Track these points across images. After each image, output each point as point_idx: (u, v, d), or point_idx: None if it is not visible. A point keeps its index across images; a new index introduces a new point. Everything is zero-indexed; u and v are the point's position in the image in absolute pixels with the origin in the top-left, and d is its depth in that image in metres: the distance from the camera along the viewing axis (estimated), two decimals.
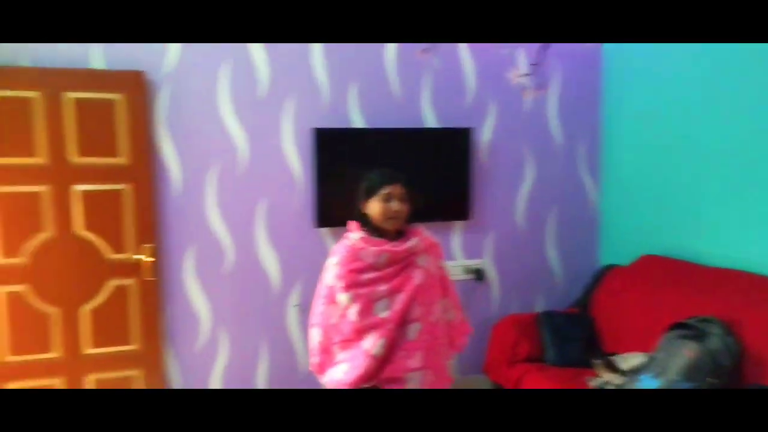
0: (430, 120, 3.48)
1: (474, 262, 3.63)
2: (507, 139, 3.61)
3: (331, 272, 2.04)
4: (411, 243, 2.01)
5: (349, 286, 1.97)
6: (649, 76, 3.42)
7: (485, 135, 3.57)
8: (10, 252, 2.83)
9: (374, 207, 2.00)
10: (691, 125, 3.16)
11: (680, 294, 2.91)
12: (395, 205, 1.99)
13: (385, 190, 1.99)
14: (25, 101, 2.77)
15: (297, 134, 3.26)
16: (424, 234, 2.09)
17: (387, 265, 1.97)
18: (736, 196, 2.94)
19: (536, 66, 3.59)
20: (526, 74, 3.59)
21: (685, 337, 2.54)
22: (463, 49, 3.49)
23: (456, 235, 3.60)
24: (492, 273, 3.67)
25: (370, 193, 2.02)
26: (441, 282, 2.11)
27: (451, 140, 3.46)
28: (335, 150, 3.27)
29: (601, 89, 3.74)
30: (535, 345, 3.24)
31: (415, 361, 1.96)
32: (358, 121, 3.36)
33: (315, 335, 2.08)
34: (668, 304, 2.91)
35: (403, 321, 1.96)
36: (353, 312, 1.97)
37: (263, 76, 3.19)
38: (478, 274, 3.61)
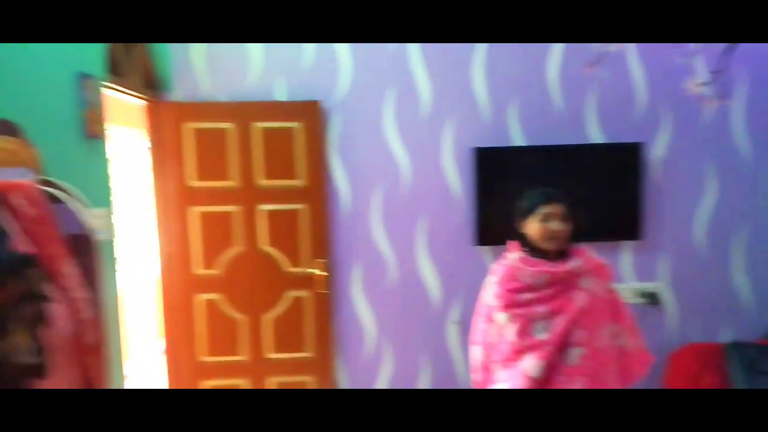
0: (596, 136, 3.33)
1: (646, 285, 3.39)
2: (684, 154, 3.34)
3: (490, 291, 2.06)
4: (572, 264, 1.94)
5: (507, 306, 1.97)
6: None
7: (658, 150, 3.34)
8: (209, 264, 3.22)
9: (533, 227, 1.97)
10: None
11: None
12: (555, 225, 1.93)
13: (544, 210, 1.95)
14: (221, 132, 3.15)
15: (457, 154, 3.31)
16: (588, 255, 2.01)
17: (546, 286, 1.93)
18: None
19: (718, 73, 3.29)
20: (706, 83, 3.30)
21: None
22: (633, 59, 3.31)
23: (625, 256, 3.39)
24: (668, 297, 3.40)
25: (528, 213, 1.99)
26: (611, 306, 2.01)
27: (620, 156, 3.29)
28: (495, 169, 3.27)
29: None
30: (721, 378, 2.94)
31: (576, 387, 1.90)
32: (518, 140, 3.32)
33: (476, 353, 2.11)
34: None
35: (563, 344, 1.91)
36: (511, 332, 1.96)
37: (425, 98, 3.29)
38: (652, 298, 3.36)
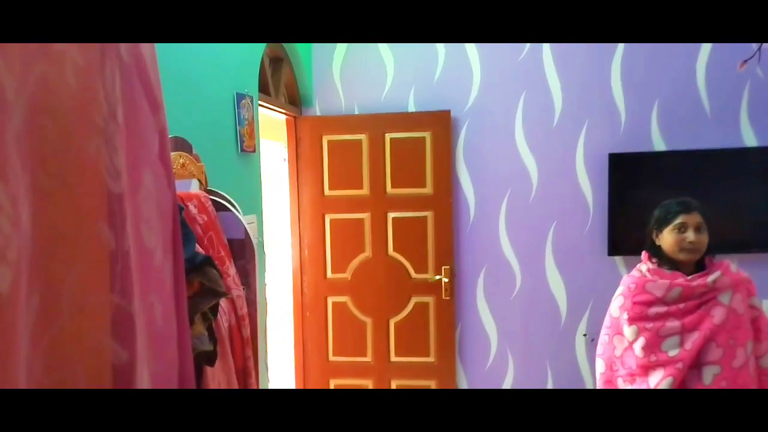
0: (749, 139, 3.07)
1: None
2: None
3: (617, 303, 1.98)
4: (711, 278, 1.82)
5: (634, 319, 1.89)
6: None
7: None
8: (338, 268, 3.41)
9: (667, 238, 1.88)
10: None
11: None
12: (690, 236, 1.83)
13: (679, 220, 1.85)
14: (355, 143, 3.33)
15: (591, 159, 3.22)
16: (730, 268, 1.88)
17: (680, 300, 1.84)
18: None
19: None
20: None
21: None
22: None
23: None
24: None
25: (663, 223, 1.89)
26: (755, 323, 1.87)
27: None
28: (632, 175, 3.13)
29: None
30: None
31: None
32: (659, 144, 3.15)
33: (599, 366, 2.05)
34: None
35: (696, 362, 1.81)
36: (638, 346, 1.88)
37: (557, 103, 3.24)
38: None
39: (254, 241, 2.30)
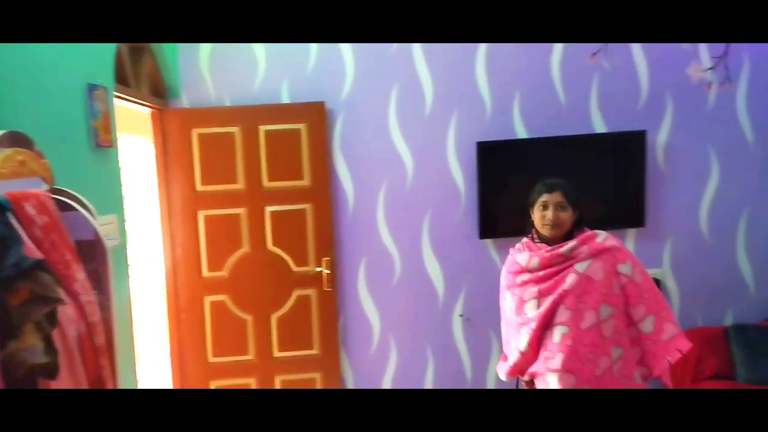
0: (599, 125, 3.35)
1: (651, 272, 3.39)
2: (687, 140, 3.35)
3: (502, 273, 2.25)
4: (564, 248, 2.03)
5: (508, 286, 2.18)
6: None
7: (661, 137, 3.35)
8: (215, 266, 3.29)
9: (535, 215, 2.12)
10: None
11: None
12: (549, 214, 2.05)
13: (542, 199, 2.08)
14: (228, 136, 3.22)
15: (461, 148, 3.35)
16: (596, 239, 2.04)
17: (539, 268, 2.06)
18: None
19: (721, 58, 3.29)
20: (709, 68, 3.30)
21: None
22: (635, 47, 3.32)
23: (629, 243, 3.41)
24: (671, 283, 3.42)
25: (532, 203, 2.13)
26: (624, 289, 2.00)
27: (623, 145, 3.31)
28: (499, 162, 3.31)
29: None
30: (724, 361, 2.96)
31: (555, 363, 1.99)
32: (522, 132, 3.35)
33: (502, 329, 2.31)
34: None
35: (547, 323, 2.03)
36: (511, 309, 2.15)
37: (428, 94, 3.34)
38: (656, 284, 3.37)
39: (111, 242, 2.15)
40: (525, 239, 2.19)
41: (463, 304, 3.43)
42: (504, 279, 2.22)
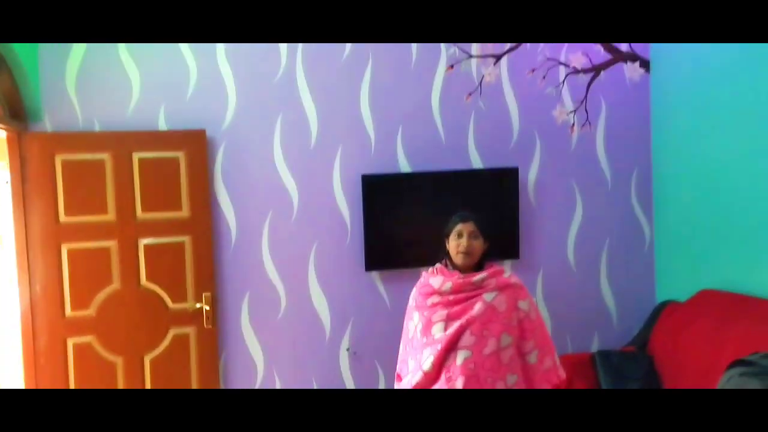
0: (476, 161, 3.52)
1: None
2: (555, 177, 3.61)
3: (411, 294, 2.36)
4: (476, 278, 2.19)
5: (417, 307, 2.27)
6: (697, 100, 3.34)
7: (532, 173, 3.59)
8: (80, 304, 3.01)
9: (450, 244, 2.27)
10: (746, 150, 3.05)
11: (741, 330, 2.79)
12: (464, 242, 2.21)
13: (458, 228, 2.24)
14: (97, 163, 2.99)
15: (346, 180, 3.37)
16: (502, 275, 2.24)
17: (450, 293, 2.18)
18: None
19: (582, 103, 3.60)
20: (572, 111, 3.60)
21: (747, 374, 2.44)
22: (507, 89, 3.54)
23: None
24: (544, 312, 3.63)
25: (447, 232, 2.29)
26: (521, 324, 2.20)
27: (498, 180, 3.49)
28: (384, 195, 3.36)
29: (649, 121, 3.70)
30: (591, 385, 3.17)
31: (457, 384, 2.08)
32: (405, 166, 3.44)
33: (400, 348, 2.36)
34: (729, 341, 2.80)
35: (452, 346, 2.13)
36: (418, 329, 2.23)
37: (313, 125, 3.33)
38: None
39: None
40: (439, 265, 2.31)
41: (349, 337, 3.41)
42: (413, 299, 2.32)
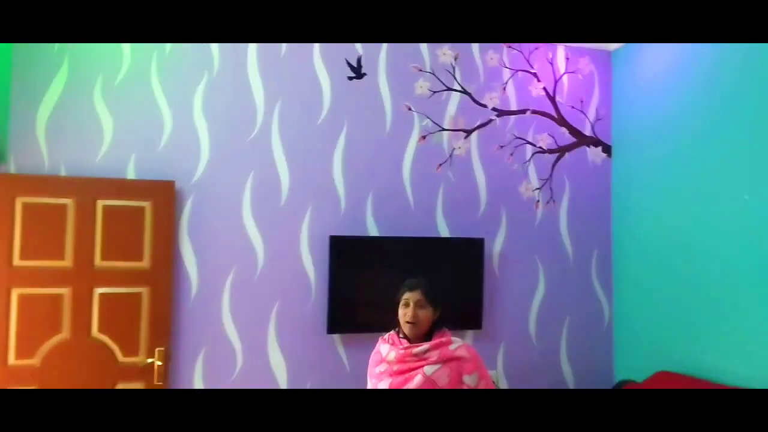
0: (443, 230, 3.57)
1: None
2: (519, 250, 3.68)
3: (371, 357, 2.30)
4: (417, 349, 2.10)
5: (369, 374, 2.25)
6: (656, 185, 3.50)
7: (497, 245, 3.65)
8: (25, 353, 2.87)
9: (399, 312, 2.20)
10: (703, 233, 3.17)
11: None
12: (409, 312, 2.13)
13: (404, 296, 2.17)
14: (59, 207, 2.93)
15: (314, 240, 3.36)
16: (447, 346, 2.11)
17: (395, 363, 2.13)
18: (756, 307, 2.89)
19: (547, 180, 3.73)
20: (537, 188, 3.72)
21: None
22: (476, 162, 3.65)
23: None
24: (503, 385, 3.60)
25: (396, 300, 2.22)
26: None
27: (464, 250, 3.53)
28: (351, 257, 3.36)
29: (609, 201, 3.85)
30: None
31: None
32: (373, 230, 3.46)
33: None
34: None
35: None
36: None
37: (284, 185, 3.35)
38: None
39: None
40: (392, 332, 2.25)
41: None
42: (369, 365, 2.28)
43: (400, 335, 2.21)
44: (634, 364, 3.59)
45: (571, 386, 3.71)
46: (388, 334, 2.27)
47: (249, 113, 3.33)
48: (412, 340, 2.16)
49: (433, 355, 2.09)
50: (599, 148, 3.85)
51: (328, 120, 3.44)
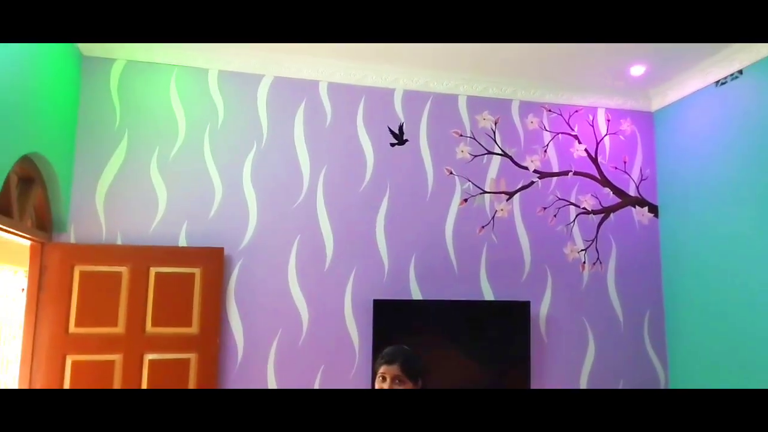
0: (488, 293, 3.54)
1: None
2: (566, 313, 3.60)
3: None
4: None
5: None
6: (707, 242, 3.40)
7: (544, 308, 3.58)
8: None
9: (374, 384, 1.98)
10: (758, 289, 3.05)
11: None
12: (386, 386, 1.91)
13: (381, 370, 1.94)
14: (114, 275, 3.04)
15: (357, 304, 3.37)
16: None
17: None
18: None
19: (592, 241, 3.68)
20: (583, 249, 3.67)
21: None
22: (519, 224, 3.64)
23: None
24: None
25: (374, 373, 1.99)
26: None
27: (510, 313, 3.48)
28: (394, 321, 3.34)
29: (659, 261, 3.76)
30: None
31: None
32: (417, 293, 3.46)
33: None
34: None
35: None
36: None
37: (329, 250, 3.40)
38: None
39: None
40: None
41: None
42: None
43: None
44: None
45: None
46: None
47: (295, 181, 3.43)
48: None
49: None
50: (645, 208, 3.80)
51: (371, 185, 3.51)
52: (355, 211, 3.47)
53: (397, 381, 1.91)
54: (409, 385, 1.92)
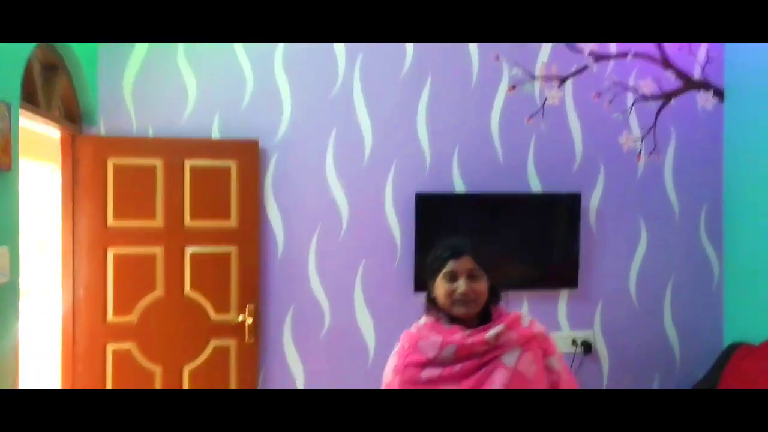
0: (535, 185, 3.36)
1: (581, 333, 3.39)
2: (618, 205, 3.42)
3: (391, 364, 1.61)
4: (491, 333, 1.51)
5: (405, 383, 1.54)
6: None
7: (594, 201, 3.40)
8: (122, 310, 2.95)
9: (439, 288, 1.59)
10: None
11: None
12: (462, 286, 1.54)
13: (448, 267, 1.57)
14: (148, 168, 2.95)
15: (399, 199, 3.25)
16: (521, 321, 1.58)
17: (456, 360, 1.52)
18: None
19: (650, 130, 3.42)
20: (639, 138, 3.42)
21: None
22: (571, 112, 3.38)
23: (562, 304, 3.39)
24: (601, 346, 3.41)
25: (434, 272, 1.61)
26: (552, 388, 1.56)
27: (558, 206, 3.33)
28: (437, 215, 3.22)
29: (721, 152, 3.49)
30: None
31: None
32: (460, 186, 3.30)
33: None
34: None
35: None
36: None
37: (368, 142, 3.23)
38: (586, 347, 3.36)
39: None
40: (425, 319, 1.63)
41: None
42: (397, 373, 1.55)
43: (445, 321, 1.59)
44: (747, 326, 3.29)
45: (675, 349, 3.46)
46: (417, 323, 1.65)
47: (330, 69, 3.20)
48: (472, 322, 1.57)
49: (510, 338, 1.53)
50: (710, 93, 3.48)
51: (411, 72, 3.26)
52: (395, 100, 3.25)
53: (472, 277, 1.55)
54: (484, 280, 1.57)
